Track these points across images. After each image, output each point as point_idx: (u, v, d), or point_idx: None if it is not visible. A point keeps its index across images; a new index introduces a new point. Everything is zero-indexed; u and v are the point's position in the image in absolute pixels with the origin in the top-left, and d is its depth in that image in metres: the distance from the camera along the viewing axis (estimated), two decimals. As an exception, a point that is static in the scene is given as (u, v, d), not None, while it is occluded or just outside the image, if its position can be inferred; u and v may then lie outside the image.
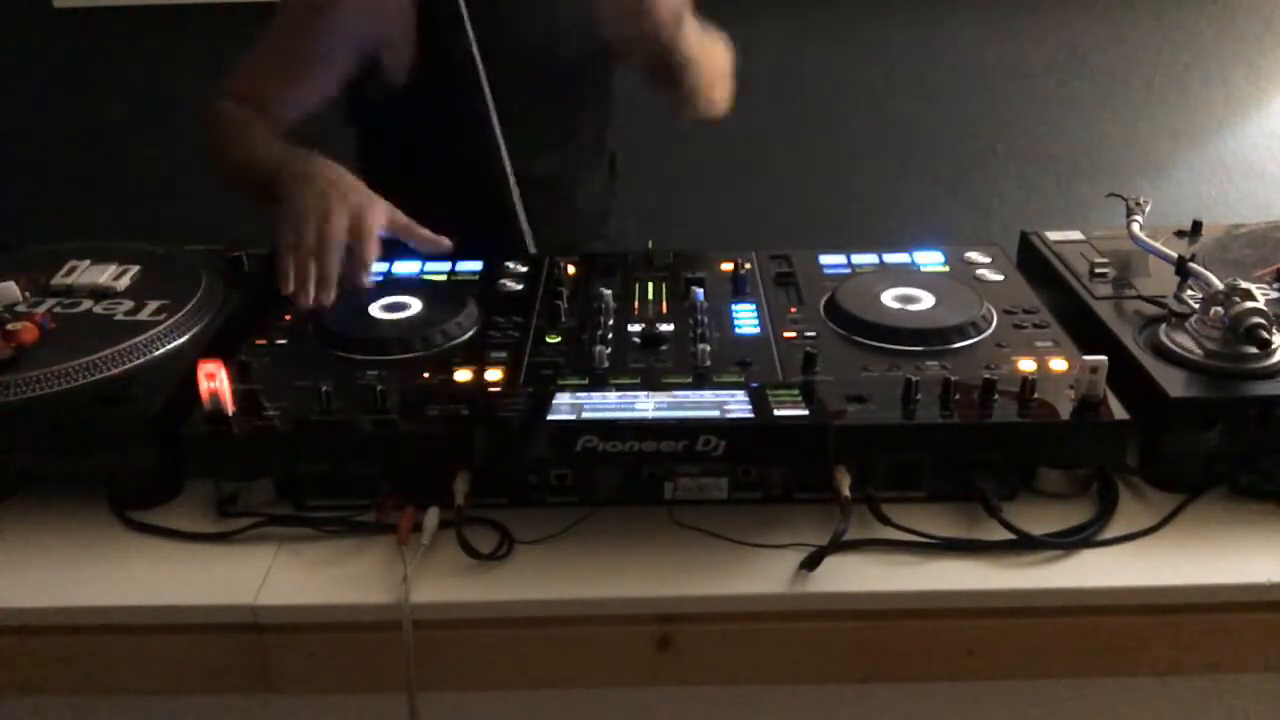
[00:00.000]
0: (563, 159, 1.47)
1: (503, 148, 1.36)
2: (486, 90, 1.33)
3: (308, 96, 1.31)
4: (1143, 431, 0.94)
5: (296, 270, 1.04)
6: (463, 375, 0.97)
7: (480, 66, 1.32)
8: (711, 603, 0.86)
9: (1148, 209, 1.18)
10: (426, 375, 0.97)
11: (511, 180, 1.38)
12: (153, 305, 1.07)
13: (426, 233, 1.12)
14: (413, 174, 1.41)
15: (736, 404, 0.90)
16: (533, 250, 1.40)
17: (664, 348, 1.01)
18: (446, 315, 1.05)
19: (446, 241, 1.13)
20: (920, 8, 2.19)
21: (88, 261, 1.15)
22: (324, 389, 0.92)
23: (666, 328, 1.05)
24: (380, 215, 1.07)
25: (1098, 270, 1.13)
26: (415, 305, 1.08)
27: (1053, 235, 1.26)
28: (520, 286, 1.15)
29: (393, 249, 1.17)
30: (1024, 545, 0.89)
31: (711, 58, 1.36)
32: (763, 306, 1.09)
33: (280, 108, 1.29)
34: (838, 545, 0.87)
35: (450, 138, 1.39)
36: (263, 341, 1.04)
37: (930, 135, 2.31)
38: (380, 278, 1.17)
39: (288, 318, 1.08)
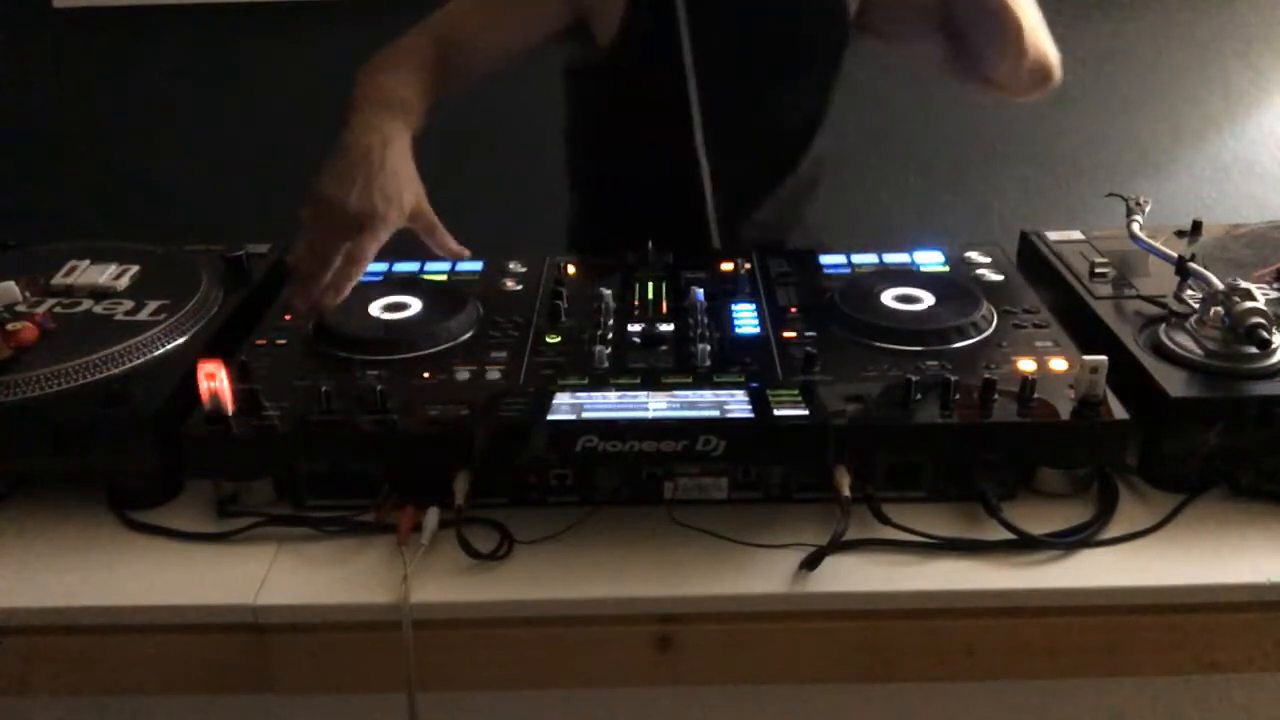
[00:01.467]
0: (762, 152, 1.39)
1: (698, 135, 1.28)
2: (688, 64, 1.24)
3: (506, 45, 1.25)
4: (1143, 431, 0.94)
5: (295, 284, 1.01)
6: (463, 375, 0.97)
7: (685, 41, 1.24)
8: (711, 603, 0.86)
9: (1148, 209, 1.18)
10: (426, 375, 0.97)
11: (705, 172, 1.31)
12: (152, 305, 1.07)
13: (449, 239, 1.08)
14: (607, 152, 1.39)
15: (736, 404, 0.90)
16: (717, 244, 1.33)
17: (664, 348, 1.01)
18: (446, 315, 1.05)
19: (466, 251, 1.09)
20: (920, 8, 2.19)
21: (87, 261, 1.15)
22: (324, 389, 0.92)
23: (666, 328, 1.05)
24: (380, 237, 1.01)
25: (1098, 270, 1.13)
26: (415, 305, 1.08)
27: (1053, 235, 1.26)
28: (520, 286, 1.15)
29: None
30: (1024, 545, 0.89)
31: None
32: (763, 306, 1.09)
33: (474, 54, 1.23)
34: (838, 545, 0.87)
35: (645, 118, 1.33)
36: (263, 341, 1.04)
37: (930, 135, 2.31)
38: (380, 277, 1.18)
39: (288, 317, 1.08)
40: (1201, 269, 1.01)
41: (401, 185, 1.01)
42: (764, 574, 0.87)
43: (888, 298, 1.08)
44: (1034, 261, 1.24)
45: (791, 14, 1.27)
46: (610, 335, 1.03)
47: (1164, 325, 1.01)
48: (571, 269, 1.18)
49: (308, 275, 0.99)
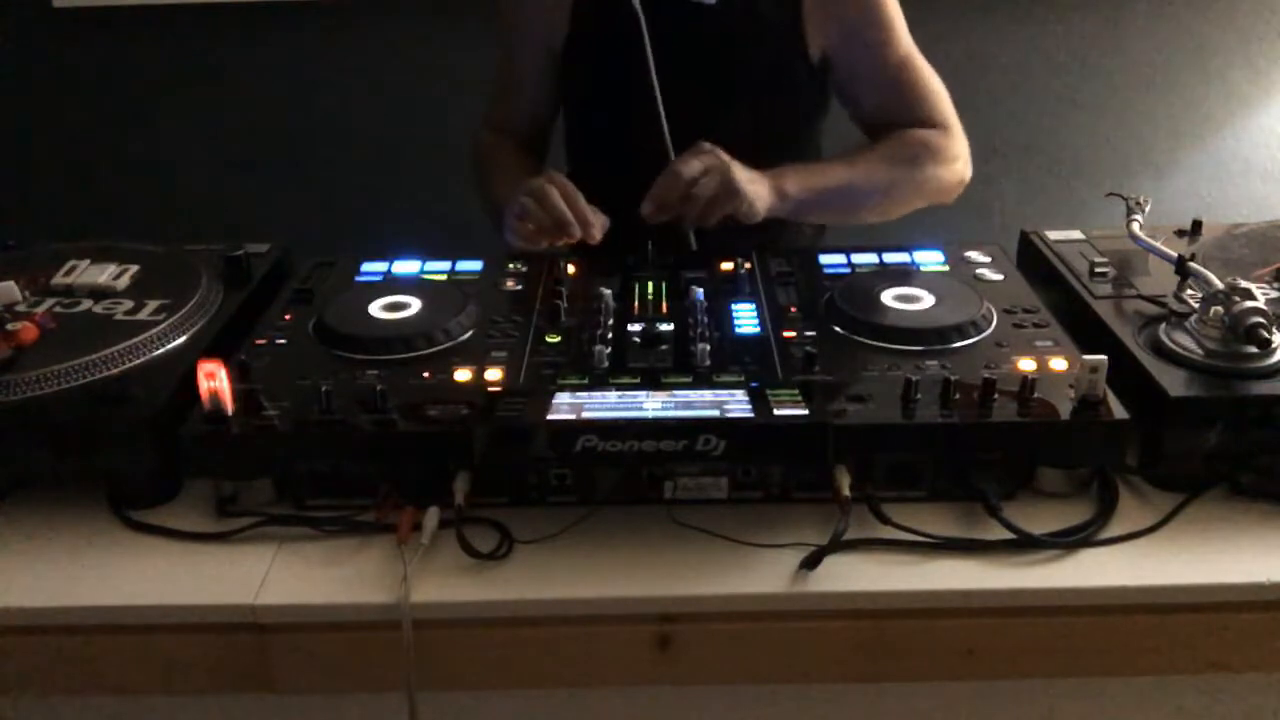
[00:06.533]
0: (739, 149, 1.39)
1: (663, 122, 1.30)
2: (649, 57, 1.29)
3: (529, 107, 1.48)
4: (1143, 431, 0.94)
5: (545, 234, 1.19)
6: (463, 375, 0.97)
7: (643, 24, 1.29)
8: (711, 603, 0.86)
9: (1148, 208, 1.18)
10: (426, 375, 0.97)
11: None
12: (153, 305, 1.07)
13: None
14: (591, 164, 1.47)
15: (736, 404, 0.90)
16: (694, 246, 1.31)
17: (664, 347, 1.01)
18: (446, 315, 1.05)
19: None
20: (920, 9, 2.19)
21: (87, 261, 1.15)
22: (324, 389, 0.92)
23: (666, 328, 1.05)
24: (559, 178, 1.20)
25: (1098, 270, 1.13)
26: (415, 305, 1.08)
27: (1053, 235, 1.26)
28: (520, 286, 1.15)
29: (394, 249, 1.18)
30: (1024, 545, 0.89)
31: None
32: (763, 306, 1.09)
33: (518, 121, 1.49)
34: (838, 545, 0.87)
35: (617, 119, 1.41)
36: (263, 341, 1.04)
37: (930, 135, 2.31)
38: (380, 277, 1.18)
39: (288, 317, 1.08)
40: (1201, 269, 1.01)
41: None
42: (764, 574, 0.87)
43: (888, 298, 1.08)
44: (1034, 261, 1.24)
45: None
46: (610, 335, 1.03)
47: (1164, 325, 1.01)
48: (571, 269, 1.18)
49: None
